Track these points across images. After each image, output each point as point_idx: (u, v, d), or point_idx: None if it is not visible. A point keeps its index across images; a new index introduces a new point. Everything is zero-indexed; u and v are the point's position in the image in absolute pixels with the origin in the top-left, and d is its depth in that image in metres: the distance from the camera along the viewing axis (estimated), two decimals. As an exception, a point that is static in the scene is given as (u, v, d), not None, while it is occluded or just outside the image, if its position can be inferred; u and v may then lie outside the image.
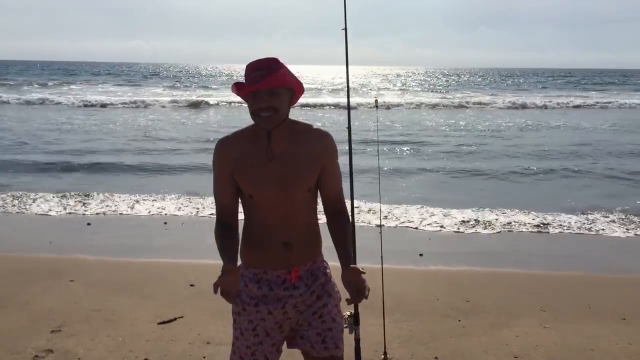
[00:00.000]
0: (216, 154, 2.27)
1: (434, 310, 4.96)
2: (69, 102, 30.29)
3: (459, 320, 4.74)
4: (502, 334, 4.50)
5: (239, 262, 2.29)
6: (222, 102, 32.82)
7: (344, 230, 2.33)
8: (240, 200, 2.32)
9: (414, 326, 4.62)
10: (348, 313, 3.50)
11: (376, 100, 3.61)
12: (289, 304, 2.29)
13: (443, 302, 5.14)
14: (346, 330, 3.32)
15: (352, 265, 2.19)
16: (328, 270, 2.45)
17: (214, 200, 2.35)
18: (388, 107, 31.49)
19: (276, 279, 2.29)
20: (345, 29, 3.45)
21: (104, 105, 29.78)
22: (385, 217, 8.29)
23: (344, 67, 3.10)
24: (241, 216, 2.35)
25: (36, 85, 43.76)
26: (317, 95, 40.28)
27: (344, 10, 3.33)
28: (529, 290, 5.53)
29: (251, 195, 2.22)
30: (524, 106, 33.51)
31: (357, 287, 2.16)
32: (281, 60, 2.19)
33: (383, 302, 3.77)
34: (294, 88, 2.23)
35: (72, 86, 45.17)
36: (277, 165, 2.21)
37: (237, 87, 2.19)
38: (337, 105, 31.17)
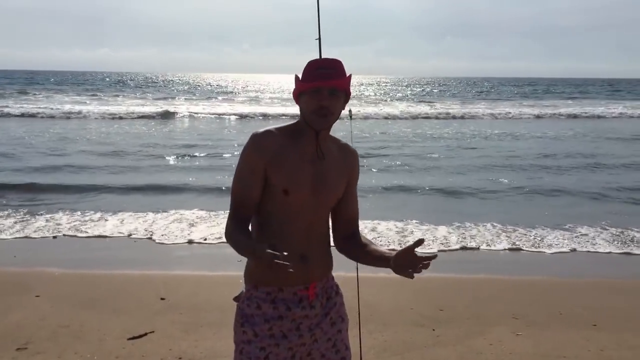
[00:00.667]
0: (251, 144, 2.12)
1: (408, 319, 4.95)
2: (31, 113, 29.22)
3: (433, 330, 4.74)
4: (476, 343, 4.51)
5: (245, 285, 2.19)
6: (192, 112, 32.31)
7: (367, 240, 2.30)
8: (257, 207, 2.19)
9: (389, 336, 4.60)
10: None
11: (350, 111, 3.58)
12: (304, 325, 2.15)
13: (417, 311, 5.14)
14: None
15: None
16: (340, 291, 2.35)
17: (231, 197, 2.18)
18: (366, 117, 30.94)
19: (292, 297, 2.14)
20: (320, 38, 3.44)
21: (69, 116, 28.96)
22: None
23: None
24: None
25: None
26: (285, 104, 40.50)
27: (318, 21, 3.31)
28: (501, 298, 5.58)
29: (286, 190, 2.10)
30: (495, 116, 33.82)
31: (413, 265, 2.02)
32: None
33: (359, 313, 3.74)
34: (349, 96, 2.20)
35: (36, 94, 44.06)
36: (315, 165, 2.15)
37: (303, 79, 2.12)
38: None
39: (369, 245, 2.25)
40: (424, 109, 38.38)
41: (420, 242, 1.97)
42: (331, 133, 2.23)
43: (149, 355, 4.20)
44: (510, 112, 35.43)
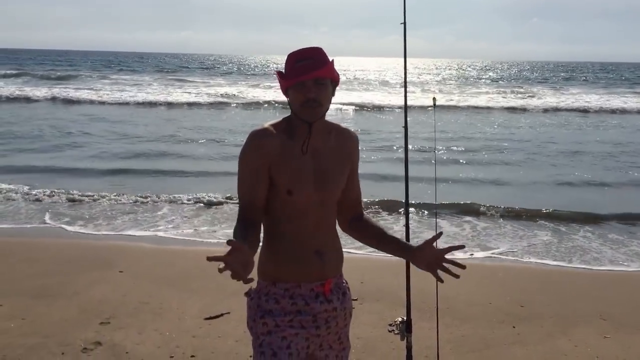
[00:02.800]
0: (251, 145, 2.08)
1: (486, 315, 4.78)
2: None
3: (514, 327, 4.55)
4: (560, 344, 4.29)
5: (262, 281, 2.18)
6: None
7: (377, 223, 2.34)
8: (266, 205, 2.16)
9: (466, 331, 4.46)
10: (400, 319, 3.37)
11: (434, 99, 3.44)
12: (321, 318, 2.15)
13: (496, 306, 4.95)
14: (397, 338, 3.21)
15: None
16: (348, 291, 2.32)
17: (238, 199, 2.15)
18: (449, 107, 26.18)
19: (310, 293, 2.14)
20: (405, 22, 3.31)
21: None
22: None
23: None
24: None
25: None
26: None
27: (404, 4, 3.19)
28: (587, 294, 5.30)
29: (290, 191, 2.08)
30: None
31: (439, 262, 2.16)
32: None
33: (437, 305, 3.61)
34: (337, 81, 2.15)
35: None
36: (314, 160, 2.12)
37: (283, 76, 2.09)
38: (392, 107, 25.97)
39: (382, 231, 2.27)
40: (551, 100, 30.43)
41: (438, 235, 2.03)
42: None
43: (225, 336, 4.26)
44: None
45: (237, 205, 2.15)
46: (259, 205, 2.11)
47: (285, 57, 2.13)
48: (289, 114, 2.15)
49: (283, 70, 2.12)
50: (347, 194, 2.27)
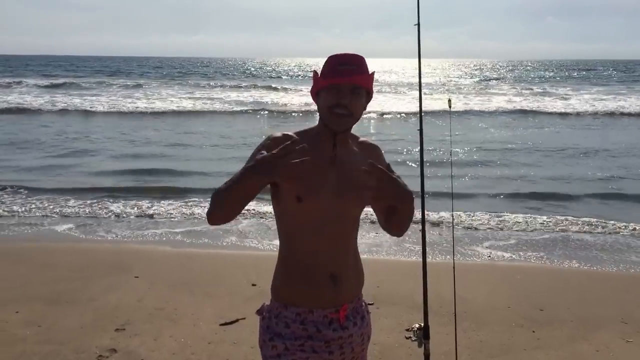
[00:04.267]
0: (267, 142, 1.95)
1: (505, 319, 4.70)
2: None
3: (533, 331, 4.47)
4: (581, 348, 4.20)
5: (274, 301, 2.08)
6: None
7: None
8: (278, 221, 2.07)
9: (484, 336, 4.38)
10: (417, 325, 3.31)
11: (449, 100, 3.38)
12: (334, 344, 2.03)
13: (515, 310, 4.87)
14: (414, 344, 3.16)
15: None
16: (368, 309, 2.22)
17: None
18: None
19: (322, 320, 2.02)
20: (419, 24, 3.25)
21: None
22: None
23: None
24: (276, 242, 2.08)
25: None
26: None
27: (417, 6, 3.13)
28: (608, 297, 5.21)
29: (300, 198, 1.94)
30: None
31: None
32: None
33: (455, 312, 3.56)
34: (371, 95, 2.06)
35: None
36: (336, 171, 2.01)
37: (322, 75, 1.98)
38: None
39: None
40: (611, 104, 27.62)
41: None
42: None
43: (240, 343, 4.23)
44: None
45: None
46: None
47: (326, 59, 2.01)
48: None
49: (319, 72, 2.03)
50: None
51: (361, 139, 2.16)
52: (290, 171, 1.74)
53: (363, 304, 2.18)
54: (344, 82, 1.94)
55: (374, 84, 2.05)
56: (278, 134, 2.01)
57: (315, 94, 2.04)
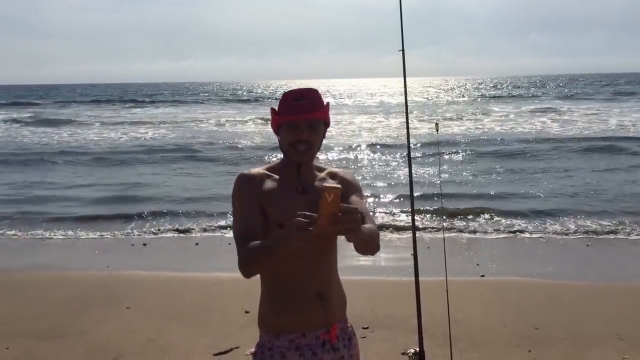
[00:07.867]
0: (240, 181, 2.07)
1: (500, 339, 4.67)
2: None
3: (529, 351, 4.45)
4: (578, 367, 4.19)
5: (264, 335, 2.10)
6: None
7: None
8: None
9: (481, 357, 4.36)
10: (412, 350, 3.30)
11: (437, 124, 3.41)
12: None
13: (510, 329, 4.85)
14: (410, 368, 3.14)
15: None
16: (354, 335, 2.23)
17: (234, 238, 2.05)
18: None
19: (315, 342, 2.05)
20: (403, 50, 3.29)
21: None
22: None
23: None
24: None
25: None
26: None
27: (401, 32, 3.17)
28: (602, 313, 5.19)
29: (282, 225, 1.99)
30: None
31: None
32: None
33: (450, 334, 3.54)
34: (329, 123, 2.14)
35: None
36: (307, 198, 2.05)
37: (277, 113, 2.06)
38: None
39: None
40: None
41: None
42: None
43: (234, 373, 4.18)
44: None
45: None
46: (259, 228, 2.02)
47: (281, 95, 2.09)
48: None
49: (276, 108, 2.09)
50: None
51: (332, 169, 2.22)
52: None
53: (349, 325, 2.23)
54: (299, 119, 2.02)
55: (329, 113, 2.12)
56: (246, 171, 2.12)
57: (276, 128, 2.11)
